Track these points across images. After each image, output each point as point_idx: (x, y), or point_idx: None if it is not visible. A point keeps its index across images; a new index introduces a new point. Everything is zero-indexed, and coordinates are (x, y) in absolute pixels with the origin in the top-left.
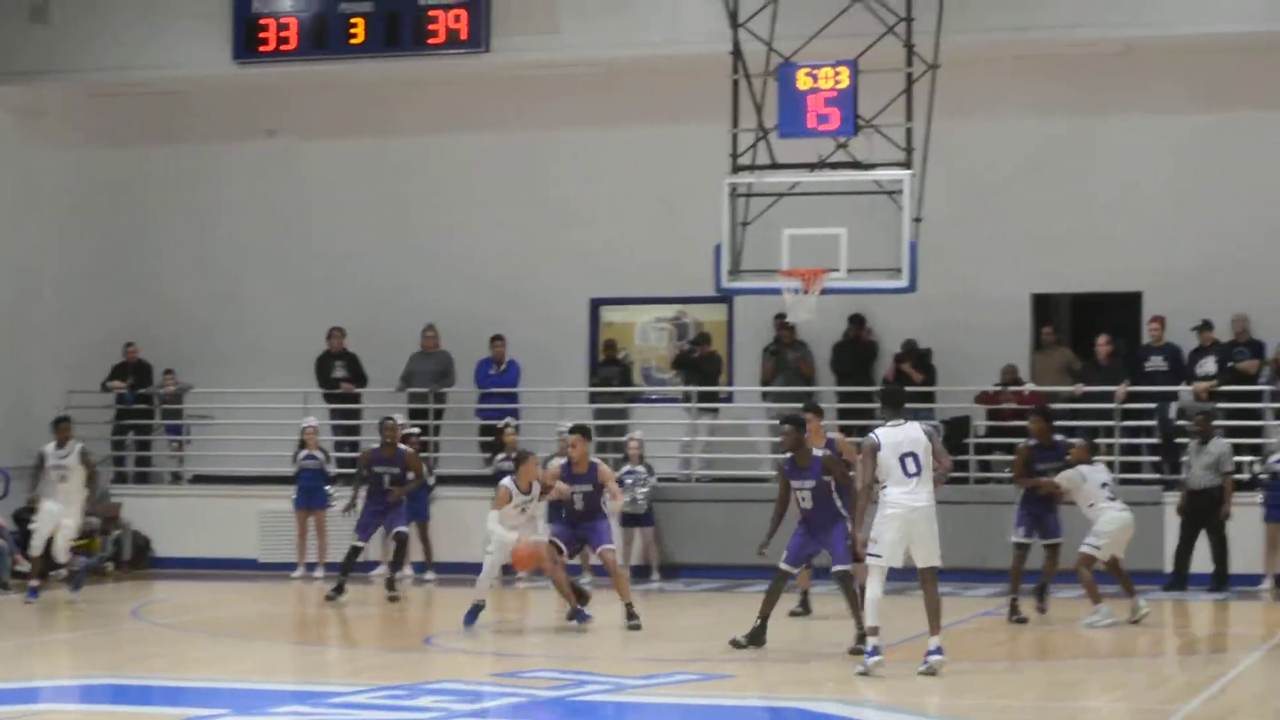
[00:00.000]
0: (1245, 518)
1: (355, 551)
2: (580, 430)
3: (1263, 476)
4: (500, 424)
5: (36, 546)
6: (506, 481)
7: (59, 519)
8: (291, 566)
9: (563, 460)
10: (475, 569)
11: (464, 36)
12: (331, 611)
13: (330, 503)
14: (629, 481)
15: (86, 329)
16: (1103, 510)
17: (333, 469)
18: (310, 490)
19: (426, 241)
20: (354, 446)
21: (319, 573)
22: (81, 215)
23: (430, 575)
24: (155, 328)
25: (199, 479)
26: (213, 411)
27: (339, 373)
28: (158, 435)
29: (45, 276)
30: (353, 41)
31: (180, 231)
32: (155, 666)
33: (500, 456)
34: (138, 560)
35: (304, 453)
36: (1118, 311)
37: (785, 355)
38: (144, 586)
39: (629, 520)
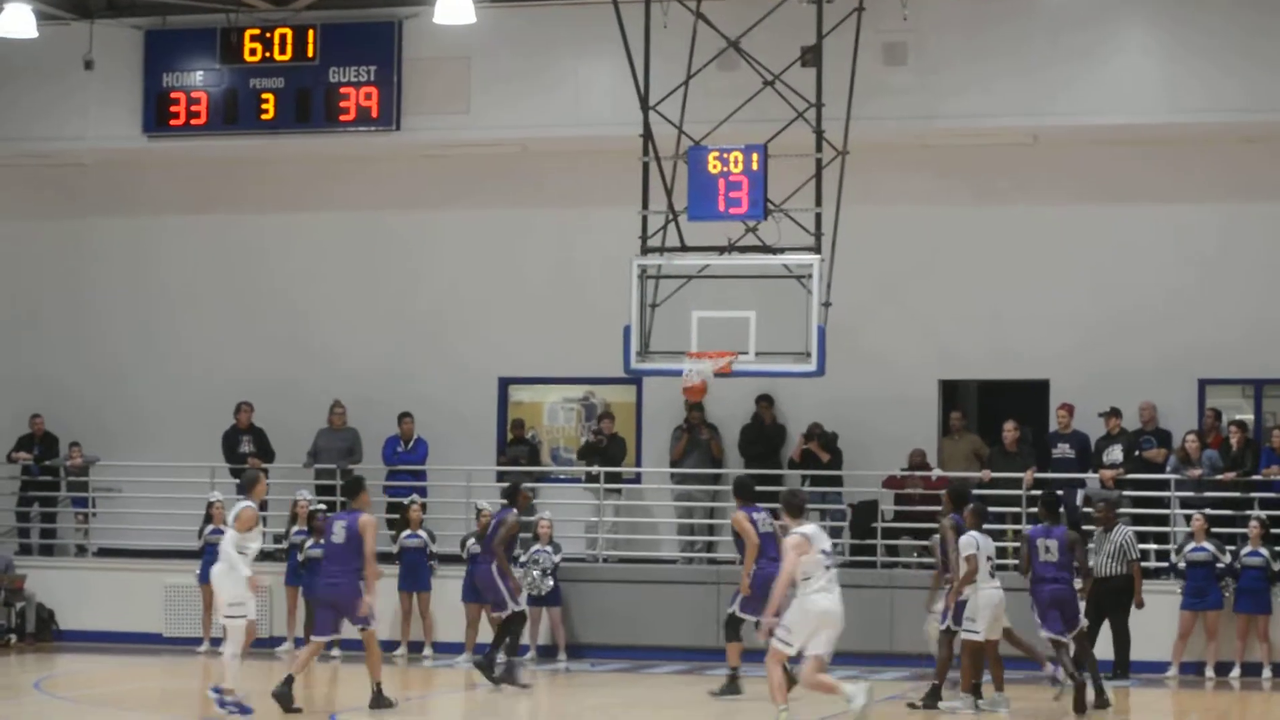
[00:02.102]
0: (1156, 605)
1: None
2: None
3: (1180, 565)
4: (407, 501)
5: None
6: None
7: None
8: (197, 641)
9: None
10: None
11: (375, 115)
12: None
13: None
14: (538, 560)
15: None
16: (980, 589)
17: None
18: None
19: (332, 317)
20: (265, 521)
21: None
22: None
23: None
24: (57, 401)
25: (104, 552)
26: (119, 484)
27: (246, 448)
28: (63, 507)
29: None
30: (264, 117)
31: (67, 308)
32: None
33: (406, 533)
34: (41, 632)
35: (210, 527)
36: (1025, 398)
37: (697, 435)
38: (47, 659)
39: (536, 600)
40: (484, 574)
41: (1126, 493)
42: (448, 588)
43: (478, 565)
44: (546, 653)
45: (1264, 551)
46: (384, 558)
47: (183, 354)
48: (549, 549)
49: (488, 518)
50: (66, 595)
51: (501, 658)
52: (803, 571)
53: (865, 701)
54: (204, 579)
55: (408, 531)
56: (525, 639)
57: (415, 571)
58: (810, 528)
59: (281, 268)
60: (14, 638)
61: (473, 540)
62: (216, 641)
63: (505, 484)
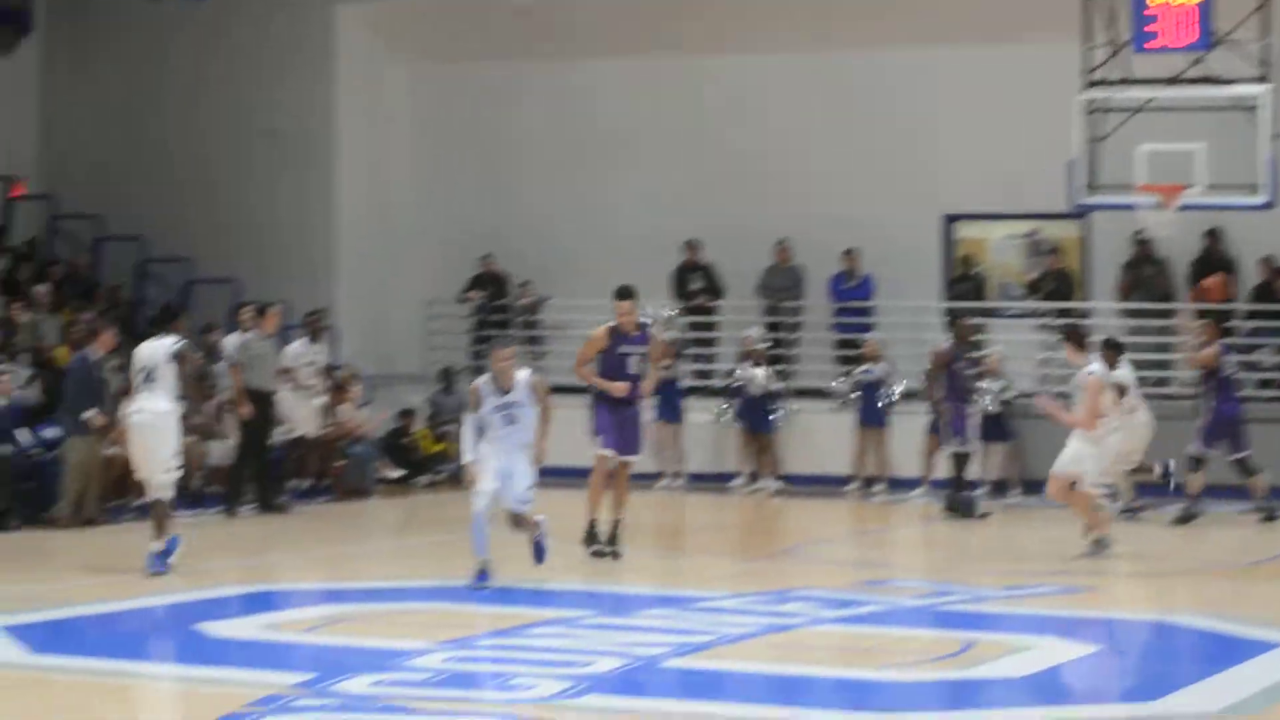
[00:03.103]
0: None
1: None
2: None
3: None
4: (864, 338)
5: None
6: (481, 380)
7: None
8: (654, 476)
9: (610, 324)
10: (823, 481)
11: None
12: (694, 520)
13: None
14: (987, 394)
15: (444, 241)
16: None
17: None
18: (667, 401)
19: (780, 157)
20: (710, 359)
21: (680, 482)
22: (440, 128)
23: (775, 486)
24: (513, 239)
25: (555, 389)
26: (569, 322)
27: (696, 284)
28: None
29: (403, 189)
30: None
31: (541, 143)
32: (517, 570)
33: (862, 369)
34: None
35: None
36: None
37: (1143, 271)
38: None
39: (990, 434)
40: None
41: None
42: (901, 424)
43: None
44: (998, 487)
45: None
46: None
47: (629, 193)
48: (998, 384)
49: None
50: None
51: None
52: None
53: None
54: (658, 416)
55: (864, 366)
56: (978, 473)
57: (870, 407)
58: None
59: (721, 107)
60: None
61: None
62: (675, 476)
63: (952, 320)
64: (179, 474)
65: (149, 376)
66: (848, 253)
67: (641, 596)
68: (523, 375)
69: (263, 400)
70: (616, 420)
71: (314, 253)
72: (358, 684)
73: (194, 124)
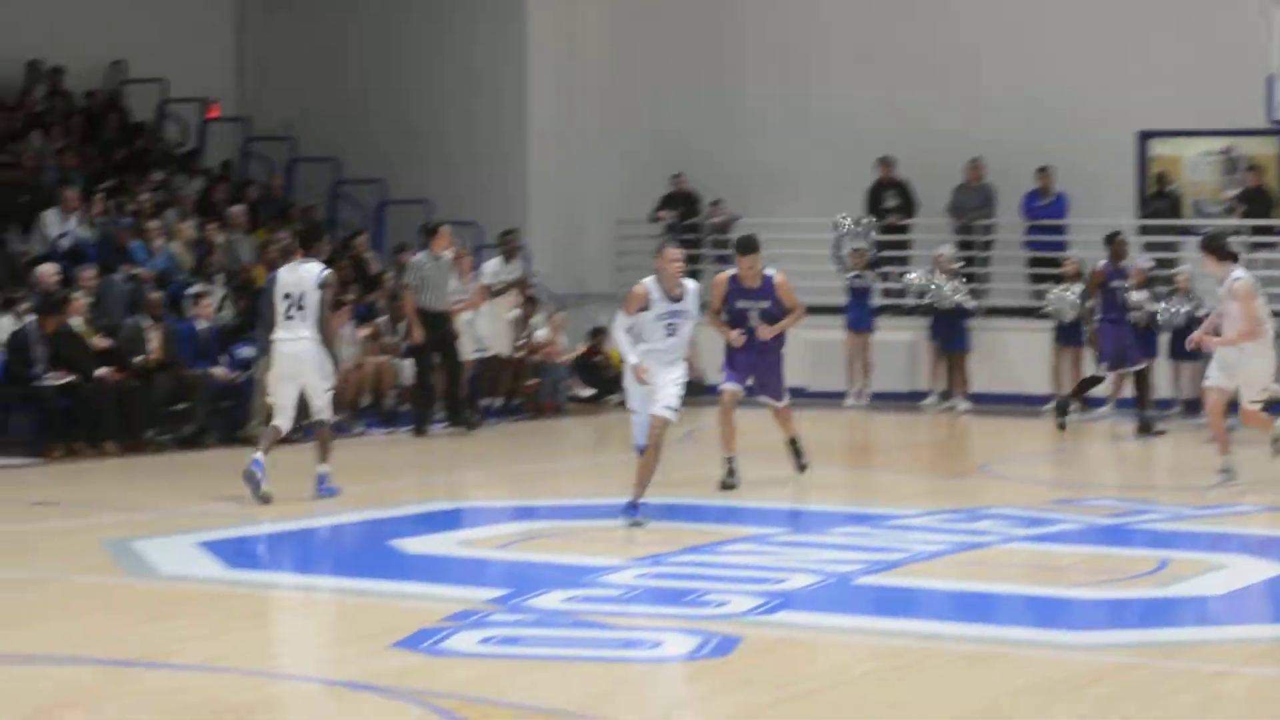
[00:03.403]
0: None
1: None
2: (745, 245)
3: None
4: (1064, 257)
5: None
6: (648, 281)
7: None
8: (840, 394)
9: (731, 272)
10: (1014, 400)
11: None
12: (884, 438)
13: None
14: (1174, 310)
15: (635, 160)
16: None
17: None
18: (859, 311)
19: (975, 73)
20: (901, 275)
21: (865, 399)
22: (630, 46)
23: (966, 405)
24: (703, 158)
25: None
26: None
27: (890, 202)
28: (706, 265)
29: (594, 107)
30: None
31: (731, 61)
32: (709, 488)
33: (1061, 287)
34: (692, 387)
35: (852, 274)
36: None
37: None
38: (698, 412)
39: (1178, 354)
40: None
41: None
42: None
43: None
44: (1191, 407)
45: None
46: (1028, 312)
47: (821, 109)
48: (1187, 303)
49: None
50: (710, 349)
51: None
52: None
53: None
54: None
55: (1063, 285)
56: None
57: (1066, 325)
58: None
59: (923, 17)
60: None
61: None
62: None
63: (1146, 238)
64: (332, 393)
65: (298, 303)
66: (1042, 170)
67: (833, 514)
68: (691, 284)
69: (436, 321)
70: (748, 362)
71: (506, 173)
72: (550, 600)
73: (387, 45)
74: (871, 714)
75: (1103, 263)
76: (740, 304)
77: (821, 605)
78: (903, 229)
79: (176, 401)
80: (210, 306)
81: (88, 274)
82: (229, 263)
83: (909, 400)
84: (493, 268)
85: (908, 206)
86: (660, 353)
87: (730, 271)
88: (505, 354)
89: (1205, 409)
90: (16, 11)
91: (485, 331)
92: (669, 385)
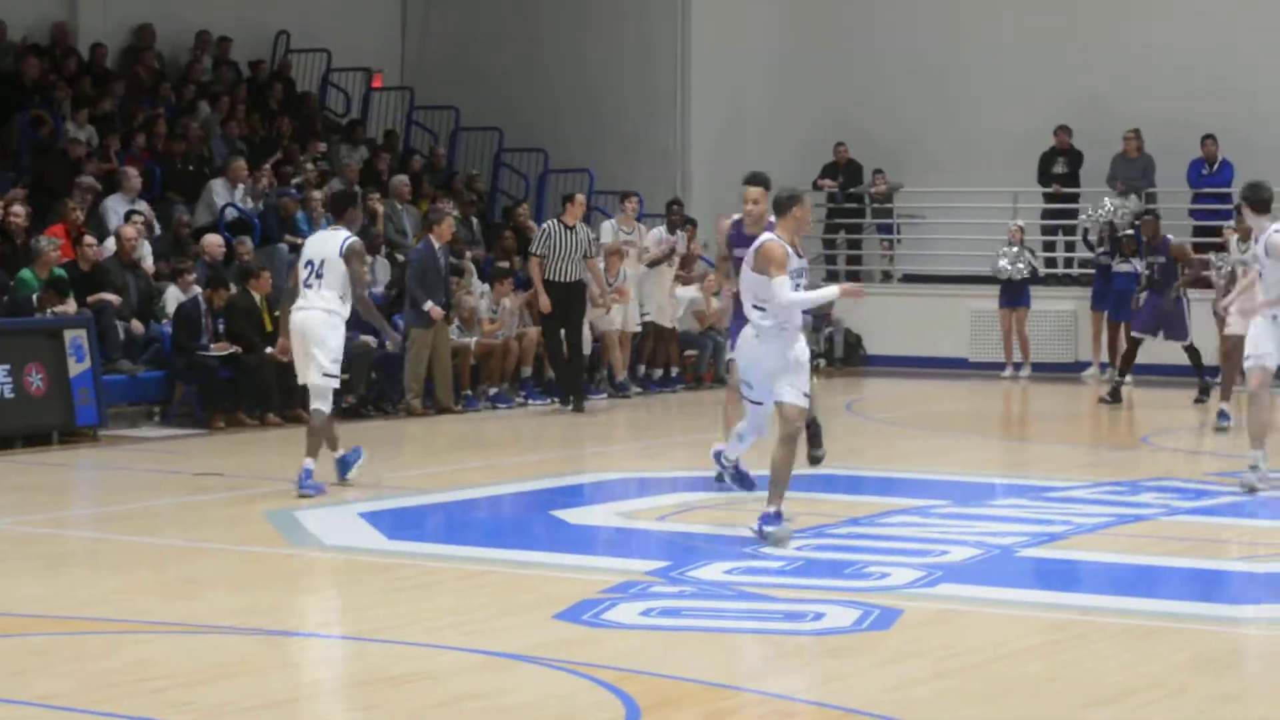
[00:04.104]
0: None
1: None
2: (757, 180)
3: None
4: (1226, 225)
5: None
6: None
7: None
8: (1001, 366)
9: (735, 217)
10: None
11: None
12: (1040, 410)
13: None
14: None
15: (797, 128)
16: None
17: (1040, 268)
18: (1011, 288)
19: (1143, 35)
20: (1069, 246)
21: (1024, 372)
22: (795, 16)
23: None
24: (867, 127)
25: (909, 278)
26: (923, 210)
27: (1060, 169)
28: (868, 234)
29: (759, 76)
30: None
31: (895, 31)
32: (869, 458)
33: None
34: (849, 357)
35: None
36: None
37: None
38: (855, 383)
39: None
40: None
41: None
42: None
43: None
44: None
45: None
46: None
47: (988, 78)
48: None
49: None
50: (873, 321)
51: None
52: None
53: None
54: (1003, 304)
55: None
56: None
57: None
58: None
59: None
60: (822, 362)
61: None
62: (1018, 366)
63: None
64: (337, 382)
65: (317, 271)
66: (1207, 139)
67: (994, 485)
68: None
69: (565, 291)
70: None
71: (667, 143)
72: (711, 571)
73: (549, 15)
74: (1033, 687)
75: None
76: (739, 253)
77: (983, 578)
78: (1072, 198)
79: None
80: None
81: (243, 247)
82: (391, 233)
83: (1065, 372)
84: (655, 237)
85: (1074, 174)
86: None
87: (736, 215)
88: (667, 324)
89: (1250, 391)
90: None
91: (650, 300)
92: (793, 369)
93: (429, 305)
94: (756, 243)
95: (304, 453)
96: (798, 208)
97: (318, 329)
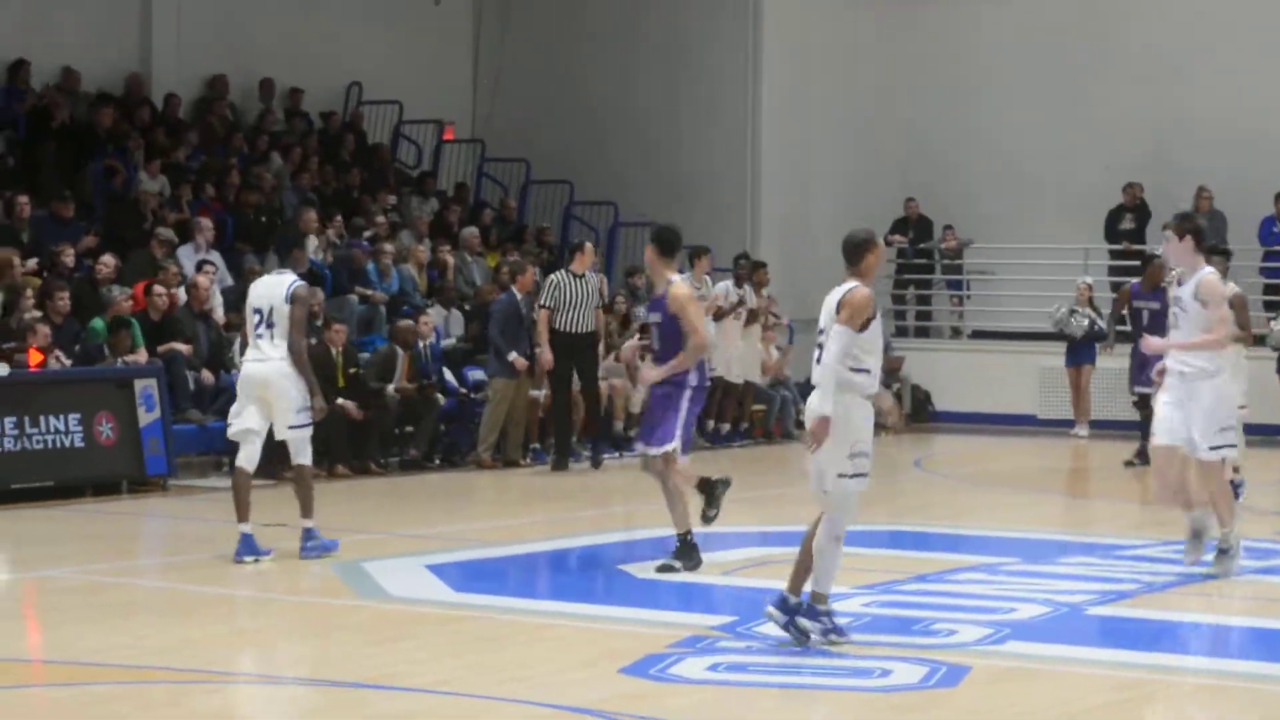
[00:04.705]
0: None
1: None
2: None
3: None
4: None
5: None
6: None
7: None
8: (1070, 424)
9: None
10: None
11: None
12: (1107, 467)
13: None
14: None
15: (867, 184)
16: None
17: (1103, 325)
18: (1078, 347)
19: (1210, 90)
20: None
21: (1080, 430)
22: (862, 70)
23: None
24: (934, 184)
25: (978, 334)
26: (993, 266)
27: (1127, 225)
28: (938, 290)
29: (825, 131)
30: None
31: (955, 89)
32: (937, 515)
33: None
34: (918, 413)
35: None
36: None
37: None
38: (925, 439)
39: None
40: None
41: None
42: None
43: None
44: None
45: None
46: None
47: (1063, 135)
48: None
49: None
50: (942, 377)
51: None
52: None
53: None
54: (1068, 362)
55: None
56: None
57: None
58: None
59: (1163, 34)
60: None
61: None
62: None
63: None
64: (310, 429)
65: (266, 320)
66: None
67: (1063, 543)
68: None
69: (575, 343)
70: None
71: (735, 196)
72: (779, 627)
73: (621, 69)
74: None
75: (1134, 283)
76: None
77: (1051, 636)
78: (1138, 254)
79: (405, 424)
80: (430, 325)
81: (317, 298)
82: (460, 285)
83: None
84: (722, 289)
85: (1141, 231)
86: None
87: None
88: (745, 380)
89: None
90: (257, 34)
91: (727, 356)
92: (838, 444)
93: (513, 355)
94: (848, 290)
95: (299, 514)
96: (876, 250)
97: (279, 382)
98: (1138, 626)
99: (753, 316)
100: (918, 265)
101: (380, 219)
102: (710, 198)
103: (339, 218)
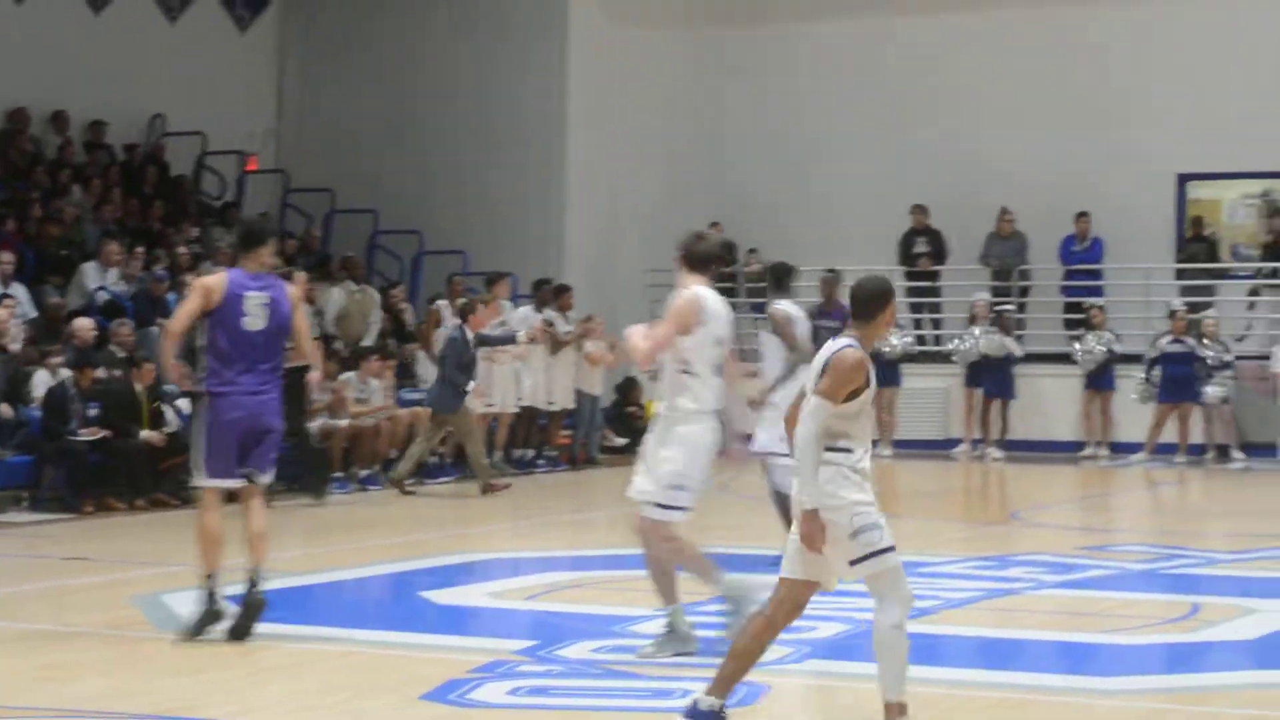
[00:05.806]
0: None
1: None
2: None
3: None
4: (1089, 302)
5: None
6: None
7: None
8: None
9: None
10: (1046, 447)
11: None
12: (916, 486)
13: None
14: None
15: (667, 210)
16: None
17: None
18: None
19: (1005, 120)
20: (936, 324)
21: (883, 450)
22: (672, 94)
23: (998, 453)
24: (736, 208)
25: None
26: (794, 290)
27: (920, 248)
28: (742, 314)
29: (634, 155)
30: None
31: (756, 113)
32: (743, 535)
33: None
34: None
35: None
36: None
37: None
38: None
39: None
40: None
41: None
42: (1128, 387)
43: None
44: (1223, 451)
45: None
46: (1063, 358)
47: (854, 162)
48: (1216, 347)
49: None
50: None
51: None
52: None
53: None
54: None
55: (1094, 332)
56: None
57: (1102, 371)
58: None
59: (952, 72)
60: None
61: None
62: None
63: (1183, 282)
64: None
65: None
66: (1080, 216)
67: None
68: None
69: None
70: None
71: (542, 226)
72: (579, 650)
73: (424, 99)
74: None
75: None
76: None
77: (852, 654)
78: (934, 275)
79: None
80: None
81: (123, 329)
82: None
83: (939, 448)
84: (520, 316)
85: (939, 254)
86: None
87: None
88: (541, 405)
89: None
90: (58, 65)
91: (529, 382)
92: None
93: (473, 384)
94: (837, 351)
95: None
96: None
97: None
98: (937, 642)
99: (558, 344)
100: (722, 288)
101: (182, 250)
102: (518, 224)
103: (140, 249)
